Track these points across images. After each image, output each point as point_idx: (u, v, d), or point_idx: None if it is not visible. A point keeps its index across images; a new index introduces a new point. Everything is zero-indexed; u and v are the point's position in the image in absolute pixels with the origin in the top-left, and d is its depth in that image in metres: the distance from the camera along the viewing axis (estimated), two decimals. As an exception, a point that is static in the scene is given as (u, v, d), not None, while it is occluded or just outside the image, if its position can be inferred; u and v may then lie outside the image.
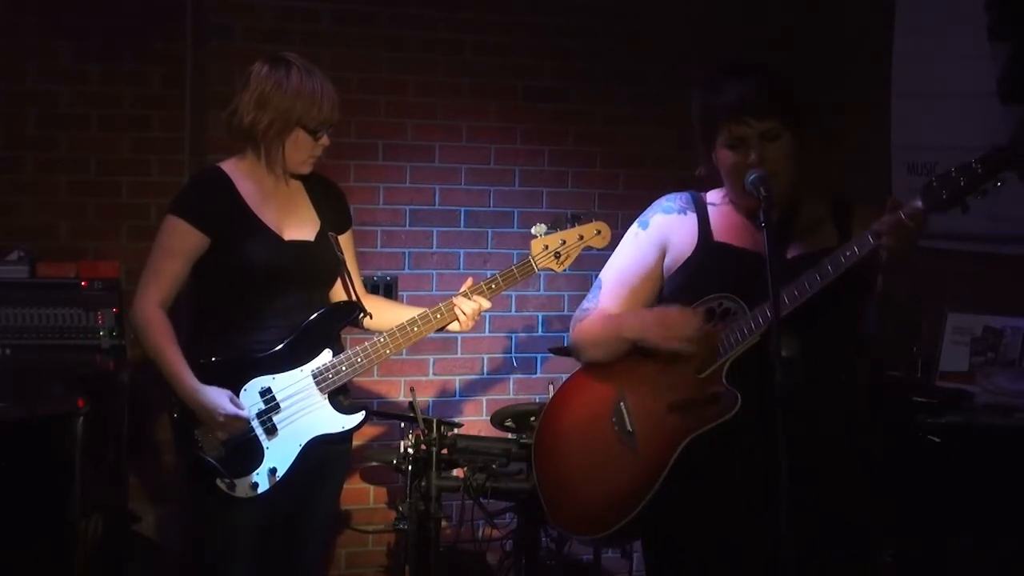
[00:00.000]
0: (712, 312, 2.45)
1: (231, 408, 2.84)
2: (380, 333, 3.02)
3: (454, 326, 3.06)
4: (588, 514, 2.53)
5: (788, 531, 2.12)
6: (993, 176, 2.22)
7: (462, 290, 3.06)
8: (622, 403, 2.52)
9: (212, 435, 2.87)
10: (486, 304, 3.06)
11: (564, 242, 3.08)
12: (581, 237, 3.09)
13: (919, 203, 2.27)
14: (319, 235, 3.03)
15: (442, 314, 3.03)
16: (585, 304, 2.68)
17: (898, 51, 4.16)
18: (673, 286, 2.57)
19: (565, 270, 3.13)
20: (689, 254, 2.55)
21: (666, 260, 2.59)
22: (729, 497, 2.41)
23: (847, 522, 2.47)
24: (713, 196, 2.62)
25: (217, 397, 2.84)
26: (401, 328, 3.01)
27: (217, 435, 2.86)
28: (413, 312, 3.05)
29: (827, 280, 2.33)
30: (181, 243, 2.92)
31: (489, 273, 3.10)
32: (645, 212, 2.66)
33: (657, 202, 2.66)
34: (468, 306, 3.03)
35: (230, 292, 2.94)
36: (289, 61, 2.94)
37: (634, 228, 2.66)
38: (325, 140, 2.98)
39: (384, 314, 3.12)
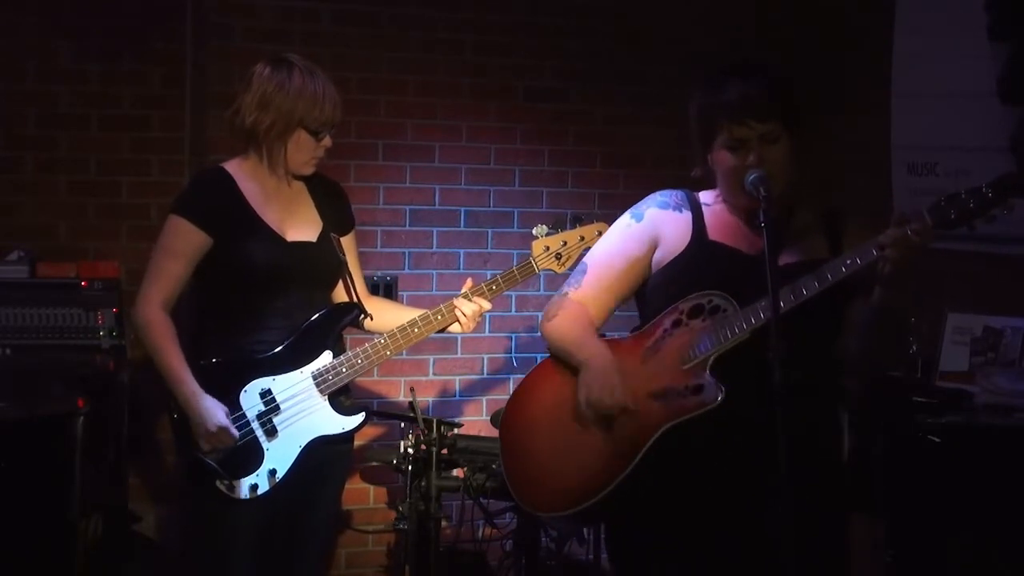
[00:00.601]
0: (701, 308, 2.45)
1: (224, 420, 2.84)
2: (381, 334, 3.02)
3: (455, 327, 3.06)
4: (556, 492, 2.51)
5: (786, 530, 2.13)
6: (1003, 201, 2.23)
7: (463, 291, 3.06)
8: None
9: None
10: (487, 306, 3.06)
11: (565, 243, 3.09)
12: (582, 238, 3.09)
13: (927, 219, 2.28)
14: (321, 236, 3.03)
15: (443, 315, 3.03)
16: (565, 288, 2.67)
17: (898, 51, 4.16)
18: (661, 279, 2.56)
19: (566, 271, 3.13)
20: (681, 250, 2.54)
21: (656, 254, 2.58)
22: (704, 490, 2.41)
23: (841, 522, 2.48)
24: (706, 197, 2.61)
25: (213, 407, 2.84)
26: (402, 329, 3.01)
27: (201, 444, 2.86)
28: (414, 313, 3.05)
29: (824, 287, 2.34)
30: (184, 243, 2.92)
31: (489, 273, 3.10)
32: (639, 204, 2.65)
33: (651, 196, 2.64)
34: (468, 308, 3.03)
35: (232, 292, 2.95)
36: (291, 62, 2.95)
37: (626, 218, 2.64)
38: (327, 141, 2.98)
39: (385, 315, 3.12)
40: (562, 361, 2.63)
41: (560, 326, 2.62)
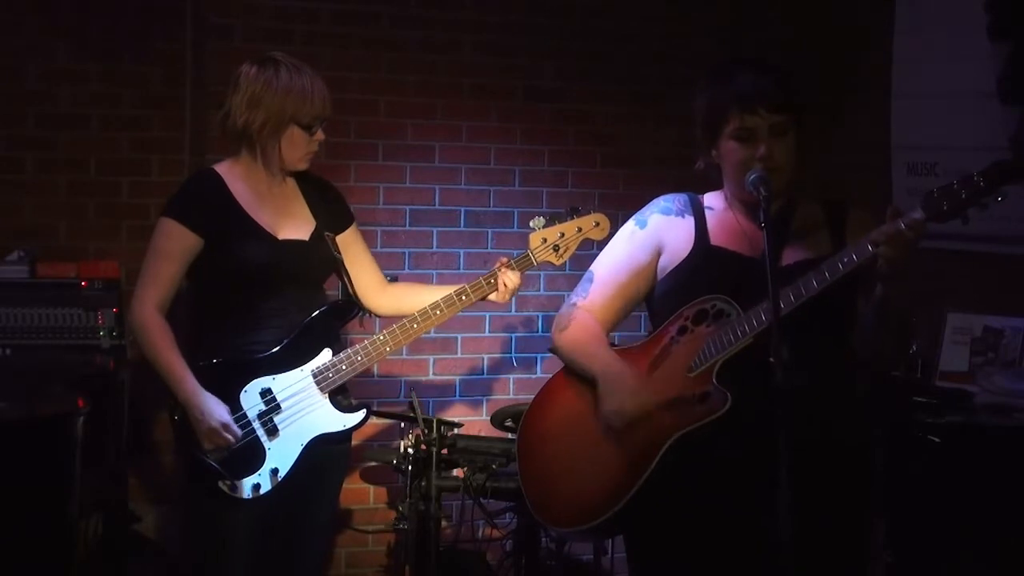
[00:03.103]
0: (705, 313, 2.45)
1: (225, 417, 2.85)
2: (380, 332, 3.03)
3: (492, 295, 3.05)
4: (572, 507, 2.53)
5: (788, 536, 2.12)
6: (995, 190, 2.22)
7: (497, 266, 3.05)
8: None
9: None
10: (518, 280, 3.06)
11: (563, 235, 3.08)
12: (580, 229, 3.09)
13: (919, 213, 2.27)
14: (314, 235, 3.04)
15: (441, 311, 3.03)
16: (573, 298, 2.67)
17: (898, 51, 4.16)
18: (666, 286, 2.57)
19: (565, 265, 3.13)
20: (685, 256, 2.55)
21: (661, 261, 2.59)
22: (717, 497, 2.41)
23: (846, 525, 2.48)
24: (710, 200, 2.61)
25: (213, 405, 2.85)
26: (402, 326, 3.02)
27: (202, 443, 2.86)
28: (445, 291, 3.04)
29: (823, 285, 2.33)
30: (175, 245, 2.93)
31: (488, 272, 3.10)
32: (642, 210, 2.65)
33: (655, 201, 2.65)
34: (512, 279, 3.03)
35: (227, 293, 2.95)
36: (277, 60, 2.96)
37: (630, 226, 2.65)
38: (320, 135, 3.00)
39: (412, 297, 3.12)
40: (576, 373, 2.64)
41: (571, 337, 2.63)
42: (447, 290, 3.06)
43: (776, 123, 2.42)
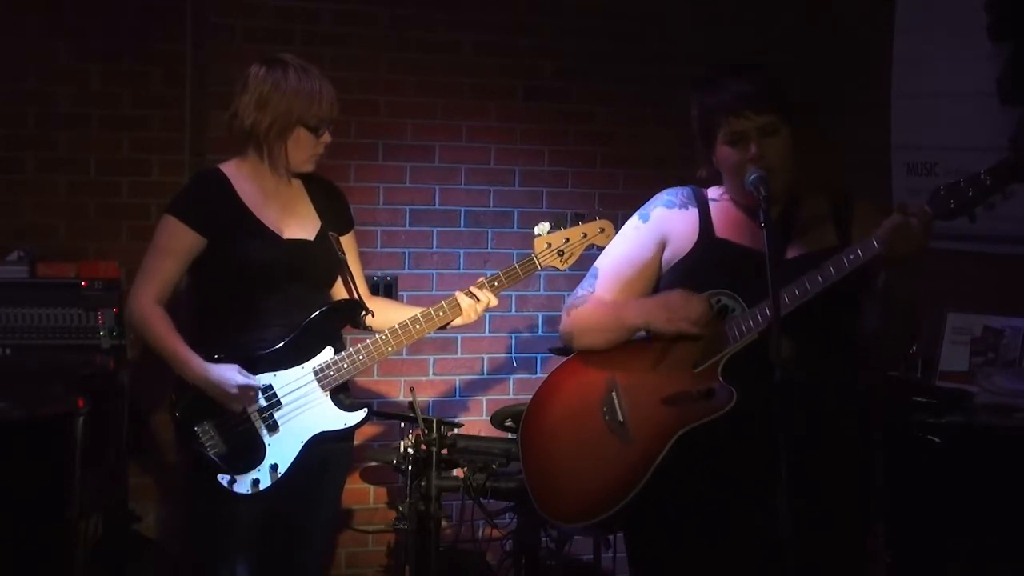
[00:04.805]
0: (709, 308, 2.46)
1: (242, 379, 2.86)
2: (382, 332, 3.03)
3: (457, 321, 3.06)
4: (575, 502, 2.53)
5: (788, 532, 2.12)
6: (1001, 188, 2.23)
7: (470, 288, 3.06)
8: (614, 393, 2.53)
9: (213, 432, 2.89)
10: (494, 300, 3.06)
11: (568, 240, 3.08)
12: (585, 235, 3.09)
13: (926, 210, 2.28)
14: (319, 235, 3.04)
15: (444, 311, 3.03)
16: (580, 291, 2.67)
17: (898, 51, 4.16)
18: (671, 279, 2.57)
19: (567, 269, 3.13)
20: (689, 249, 2.55)
21: (665, 254, 2.59)
22: (721, 493, 2.41)
23: (845, 523, 2.48)
24: (714, 192, 2.62)
25: (226, 371, 2.86)
26: (403, 326, 3.02)
27: (232, 408, 2.87)
28: (415, 311, 3.05)
29: (828, 282, 2.33)
30: (176, 242, 2.94)
31: (490, 273, 3.10)
32: (646, 204, 2.66)
33: (658, 195, 2.66)
34: (465, 301, 3.03)
35: (231, 291, 2.96)
36: (286, 61, 2.96)
37: (634, 220, 2.66)
38: (326, 138, 3.00)
39: (386, 315, 3.13)
40: (584, 360, 2.62)
41: (588, 309, 2.62)
42: (416, 310, 3.05)
43: (764, 124, 2.43)
